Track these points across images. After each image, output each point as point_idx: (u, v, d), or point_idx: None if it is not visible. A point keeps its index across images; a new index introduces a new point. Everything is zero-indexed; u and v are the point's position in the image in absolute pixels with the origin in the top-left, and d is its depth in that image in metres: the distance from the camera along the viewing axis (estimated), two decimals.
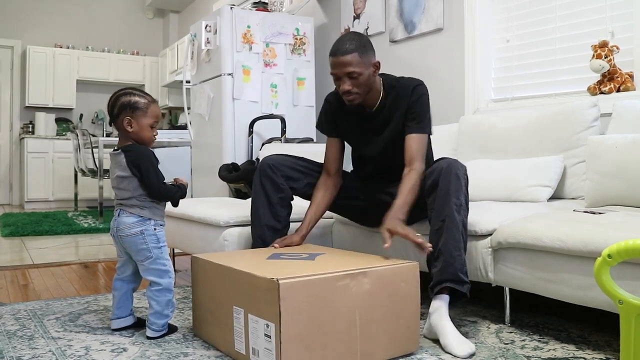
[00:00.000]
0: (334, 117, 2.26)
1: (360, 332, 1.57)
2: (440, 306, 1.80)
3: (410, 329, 1.68)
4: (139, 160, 1.86)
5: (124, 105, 1.88)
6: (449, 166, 1.89)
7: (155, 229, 1.89)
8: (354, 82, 2.03)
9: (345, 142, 2.31)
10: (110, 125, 1.94)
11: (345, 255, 1.85)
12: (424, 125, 2.11)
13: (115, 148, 1.92)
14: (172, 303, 1.92)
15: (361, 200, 2.30)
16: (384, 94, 2.15)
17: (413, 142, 2.08)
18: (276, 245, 2.06)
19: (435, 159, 2.06)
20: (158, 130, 1.96)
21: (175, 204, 1.98)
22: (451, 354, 1.67)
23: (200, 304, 1.87)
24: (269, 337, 1.47)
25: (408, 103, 2.11)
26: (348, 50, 2.01)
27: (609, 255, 1.29)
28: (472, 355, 1.66)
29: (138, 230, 1.87)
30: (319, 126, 2.34)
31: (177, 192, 1.93)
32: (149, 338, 1.87)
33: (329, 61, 2.09)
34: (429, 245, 1.79)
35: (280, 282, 1.43)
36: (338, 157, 2.26)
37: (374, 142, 2.21)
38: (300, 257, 1.79)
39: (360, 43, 2.04)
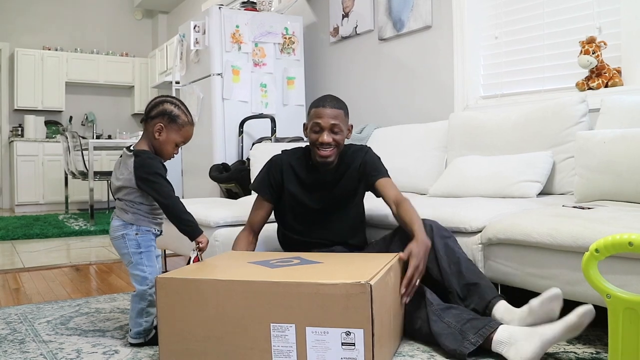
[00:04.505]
0: (281, 176, 2.17)
1: (394, 322, 1.68)
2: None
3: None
4: (147, 171, 1.79)
5: (164, 111, 1.84)
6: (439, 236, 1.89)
7: (136, 234, 1.84)
8: (335, 137, 2.03)
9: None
10: (141, 122, 1.90)
11: (330, 257, 1.83)
12: (384, 171, 2.13)
13: (131, 147, 1.86)
14: (148, 312, 1.83)
15: None
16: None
17: (386, 185, 2.08)
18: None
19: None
20: None
21: (186, 231, 1.85)
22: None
23: (184, 335, 1.58)
24: (351, 344, 1.43)
25: (361, 162, 2.13)
26: (336, 105, 2.05)
27: (597, 250, 1.30)
28: None
29: (120, 234, 1.84)
30: (257, 185, 2.21)
31: (193, 222, 1.85)
32: (130, 344, 1.84)
33: (311, 112, 2.07)
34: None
35: (372, 284, 1.40)
36: (263, 219, 2.20)
37: (320, 196, 2.15)
38: (294, 263, 1.73)
39: (345, 105, 2.09)
